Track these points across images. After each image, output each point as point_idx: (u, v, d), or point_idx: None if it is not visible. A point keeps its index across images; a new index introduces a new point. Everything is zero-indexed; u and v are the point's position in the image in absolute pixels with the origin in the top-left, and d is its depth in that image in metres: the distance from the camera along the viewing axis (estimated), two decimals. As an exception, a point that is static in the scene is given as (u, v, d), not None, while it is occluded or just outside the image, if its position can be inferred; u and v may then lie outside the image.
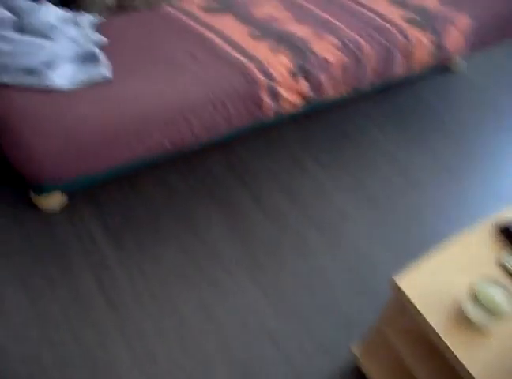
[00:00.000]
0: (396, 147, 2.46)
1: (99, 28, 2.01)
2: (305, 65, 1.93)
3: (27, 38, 1.80)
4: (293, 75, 1.91)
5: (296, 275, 1.93)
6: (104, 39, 1.93)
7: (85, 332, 1.72)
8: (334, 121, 2.56)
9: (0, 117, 1.69)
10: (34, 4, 1.94)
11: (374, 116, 2.61)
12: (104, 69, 1.76)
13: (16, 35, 1.79)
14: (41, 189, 1.90)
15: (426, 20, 2.17)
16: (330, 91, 2.01)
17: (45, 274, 1.87)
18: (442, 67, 2.73)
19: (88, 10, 2.04)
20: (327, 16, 2.13)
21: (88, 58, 1.82)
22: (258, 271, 1.93)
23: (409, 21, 2.16)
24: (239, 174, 2.26)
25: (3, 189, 2.09)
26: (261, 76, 1.86)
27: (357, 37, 2.06)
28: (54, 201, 2.00)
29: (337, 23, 2.10)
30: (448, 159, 2.44)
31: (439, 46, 2.21)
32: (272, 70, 1.88)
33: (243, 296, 1.86)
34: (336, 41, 2.02)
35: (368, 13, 2.18)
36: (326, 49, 1.99)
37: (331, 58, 1.98)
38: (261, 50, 1.93)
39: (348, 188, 2.26)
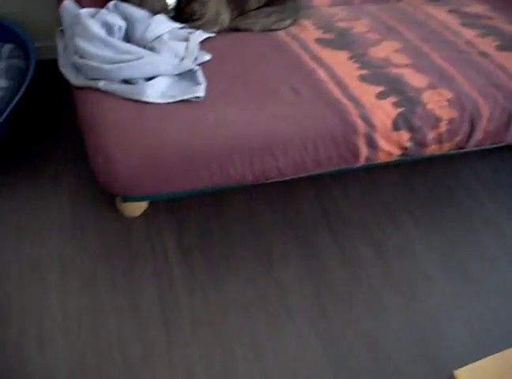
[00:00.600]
0: (503, 217, 2.25)
1: (206, 43, 1.99)
2: (411, 118, 1.81)
3: (132, 47, 1.80)
4: (396, 126, 1.79)
5: (361, 333, 1.82)
6: (208, 57, 1.89)
7: (133, 347, 1.72)
8: (438, 172, 2.40)
9: (89, 121, 1.70)
10: (148, 15, 1.94)
11: (483, 176, 2.41)
12: (199, 89, 1.73)
13: (121, 44, 1.80)
14: (126, 197, 1.90)
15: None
16: (432, 148, 1.88)
17: (110, 279, 1.89)
18: None
19: (203, 28, 2.01)
20: (449, 68, 1.98)
21: (186, 75, 1.79)
22: (323, 321, 1.84)
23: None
24: (327, 216, 2.17)
25: (93, 188, 2.13)
26: (360, 123, 1.76)
27: (476, 95, 1.90)
28: (135, 209, 2.01)
29: (459, 76, 1.95)
30: None
31: None
32: (374, 118, 1.77)
33: (300, 344, 1.78)
34: (451, 96, 1.88)
35: (495, 69, 2.01)
36: (438, 103, 1.85)
37: (441, 114, 1.85)
38: (368, 94, 1.83)
39: (438, 250, 2.10)
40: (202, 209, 2.12)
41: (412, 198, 2.29)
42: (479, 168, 2.44)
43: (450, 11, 2.39)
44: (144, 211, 2.07)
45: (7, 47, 2.39)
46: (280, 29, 2.14)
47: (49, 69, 2.18)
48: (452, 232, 2.17)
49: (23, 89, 2.16)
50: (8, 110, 2.11)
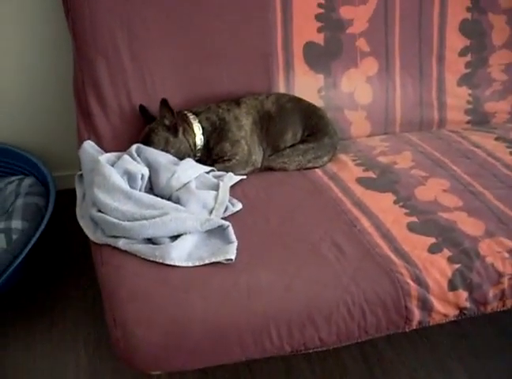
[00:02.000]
0: None
1: (237, 186, 1.84)
2: (469, 275, 1.60)
3: (156, 200, 1.64)
4: (452, 286, 1.59)
5: None
6: (239, 207, 1.73)
7: None
8: (494, 314, 2.16)
9: (107, 287, 1.52)
10: (173, 159, 1.79)
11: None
12: (231, 250, 1.54)
13: (144, 196, 1.64)
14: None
15: None
16: (494, 306, 1.66)
17: None
18: None
19: (234, 170, 1.85)
20: (506, 209, 1.79)
21: (215, 231, 1.61)
22: None
23: None
24: (372, 369, 1.95)
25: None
26: (412, 284, 1.55)
27: (540, 242, 1.69)
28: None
29: (518, 221, 1.75)
30: None
31: None
32: (428, 278, 1.57)
33: None
34: (512, 246, 1.68)
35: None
36: (498, 255, 1.65)
37: (502, 267, 1.64)
38: (419, 248, 1.63)
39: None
40: (233, 367, 1.90)
41: (465, 343, 2.07)
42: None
43: (497, 138, 2.23)
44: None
45: (26, 182, 2.27)
46: (316, 167, 1.98)
47: (70, 199, 2.03)
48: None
49: (39, 232, 2.02)
50: (22, 255, 1.96)
